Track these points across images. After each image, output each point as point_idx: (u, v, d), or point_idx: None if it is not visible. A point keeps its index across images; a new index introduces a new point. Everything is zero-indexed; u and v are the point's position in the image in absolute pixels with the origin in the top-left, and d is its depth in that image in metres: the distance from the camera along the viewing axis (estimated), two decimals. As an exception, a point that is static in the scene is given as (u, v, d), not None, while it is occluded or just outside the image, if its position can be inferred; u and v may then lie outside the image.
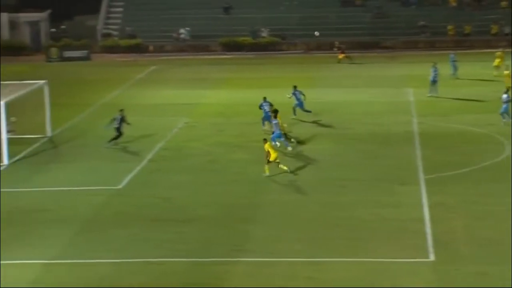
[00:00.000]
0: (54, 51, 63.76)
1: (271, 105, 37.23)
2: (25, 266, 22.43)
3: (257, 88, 48.24)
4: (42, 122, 37.50)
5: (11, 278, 21.69)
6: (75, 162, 33.27)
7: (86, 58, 63.31)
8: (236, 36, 65.25)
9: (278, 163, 30.39)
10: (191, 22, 66.98)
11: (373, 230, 24.82)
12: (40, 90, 37.91)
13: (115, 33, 68.08)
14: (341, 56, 57.85)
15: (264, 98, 37.83)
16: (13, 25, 67.87)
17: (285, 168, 30.44)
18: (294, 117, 39.31)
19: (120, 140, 35.59)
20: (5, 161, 33.02)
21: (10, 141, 33.90)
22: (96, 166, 32.60)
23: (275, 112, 35.28)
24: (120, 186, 29.79)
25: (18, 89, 36.27)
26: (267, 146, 30.68)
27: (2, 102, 33.62)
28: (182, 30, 66.49)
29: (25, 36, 67.95)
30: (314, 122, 38.95)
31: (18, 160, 33.71)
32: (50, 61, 63.09)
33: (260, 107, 37.61)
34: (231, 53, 64.28)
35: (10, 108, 34.52)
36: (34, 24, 68.24)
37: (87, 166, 32.66)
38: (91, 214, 26.74)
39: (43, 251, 23.39)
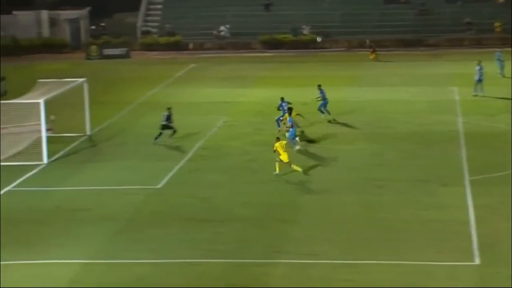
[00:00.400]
0: (93, 48, 64.36)
1: (289, 103, 37.18)
2: (63, 265, 22.67)
3: (297, 87, 48.20)
4: (81, 121, 37.85)
5: (49, 277, 21.94)
6: (114, 161, 33.56)
7: (125, 56, 63.81)
8: (277, 34, 65.23)
9: (290, 163, 30.27)
10: (231, 19, 67.13)
11: (414, 232, 24.64)
12: (79, 88, 38.27)
13: (154, 30, 68.50)
14: (372, 55, 57.69)
15: (282, 99, 37.61)
16: (53, 22, 68.65)
17: (298, 169, 30.29)
18: (329, 117, 39.16)
19: (160, 139, 35.86)
20: (44, 160, 33.40)
21: (49, 140, 34.28)
22: (135, 165, 32.83)
23: (290, 109, 35.34)
24: (158, 186, 29.98)
25: (58, 87, 36.65)
26: (277, 145, 30.70)
27: (42, 100, 34.02)
28: (222, 28, 66.67)
29: (65, 33, 68.69)
30: (330, 121, 38.73)
31: (56, 159, 34.09)
32: (89, 59, 63.71)
33: (279, 107, 37.41)
34: (271, 50, 64.28)
35: (49, 106, 34.92)
36: (73, 22, 68.93)
37: (126, 165, 32.91)
38: (130, 213, 26.96)
39: (81, 250, 23.63)
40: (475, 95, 43.68)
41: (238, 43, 65.71)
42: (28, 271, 22.32)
